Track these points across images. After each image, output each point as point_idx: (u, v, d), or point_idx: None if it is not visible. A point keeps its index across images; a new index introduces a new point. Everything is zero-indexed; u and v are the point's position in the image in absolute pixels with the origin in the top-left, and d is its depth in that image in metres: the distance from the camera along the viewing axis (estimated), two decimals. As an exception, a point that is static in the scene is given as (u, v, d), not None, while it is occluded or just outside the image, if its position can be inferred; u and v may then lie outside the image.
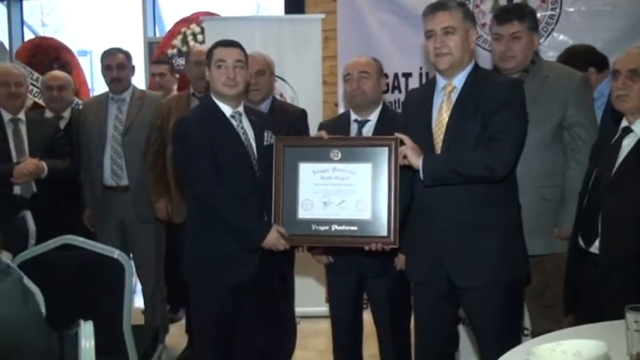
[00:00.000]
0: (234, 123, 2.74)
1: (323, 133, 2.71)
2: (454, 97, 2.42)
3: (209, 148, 2.63)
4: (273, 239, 2.59)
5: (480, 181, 2.34)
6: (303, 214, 2.60)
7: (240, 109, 2.78)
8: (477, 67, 2.47)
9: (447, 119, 2.40)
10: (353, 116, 3.03)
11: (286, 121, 3.29)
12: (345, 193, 2.57)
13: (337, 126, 3.02)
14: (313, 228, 2.59)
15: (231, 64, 2.68)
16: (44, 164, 3.65)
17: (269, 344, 3.03)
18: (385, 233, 2.52)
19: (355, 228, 2.56)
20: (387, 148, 2.51)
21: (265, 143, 2.77)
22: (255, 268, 2.69)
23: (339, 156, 2.59)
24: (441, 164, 2.37)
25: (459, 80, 2.42)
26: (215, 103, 2.75)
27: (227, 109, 2.74)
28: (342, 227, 2.57)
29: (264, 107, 3.39)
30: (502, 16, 2.90)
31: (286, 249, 2.65)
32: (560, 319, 2.58)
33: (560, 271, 2.58)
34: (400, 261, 2.85)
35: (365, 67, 2.98)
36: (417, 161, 2.36)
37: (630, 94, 2.33)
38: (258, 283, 2.74)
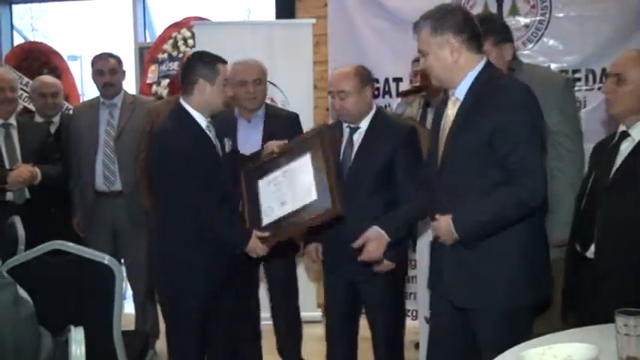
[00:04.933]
0: (209, 134, 2.81)
1: (274, 146, 2.95)
2: (456, 109, 2.25)
3: (193, 160, 2.68)
4: (254, 244, 2.79)
5: (517, 221, 2.16)
6: (266, 220, 2.86)
7: (209, 119, 2.85)
8: (482, 72, 2.23)
9: (446, 135, 2.26)
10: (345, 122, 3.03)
11: (280, 126, 3.32)
12: (295, 187, 2.83)
13: (334, 131, 3.03)
14: (276, 226, 2.83)
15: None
16: (38, 171, 3.63)
17: (235, 347, 3.13)
18: (330, 205, 2.72)
19: (310, 211, 2.78)
20: (318, 137, 2.87)
21: (226, 150, 2.93)
22: (224, 272, 2.83)
23: (285, 160, 2.91)
24: (469, 222, 2.17)
25: (460, 92, 2.24)
26: (189, 114, 2.77)
27: (202, 120, 2.80)
28: (300, 214, 2.79)
29: (260, 114, 3.40)
30: None
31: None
32: (553, 324, 2.57)
33: (555, 277, 2.57)
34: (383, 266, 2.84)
35: (343, 86, 2.88)
36: (453, 235, 2.18)
37: (615, 99, 2.31)
38: (228, 286, 2.88)
